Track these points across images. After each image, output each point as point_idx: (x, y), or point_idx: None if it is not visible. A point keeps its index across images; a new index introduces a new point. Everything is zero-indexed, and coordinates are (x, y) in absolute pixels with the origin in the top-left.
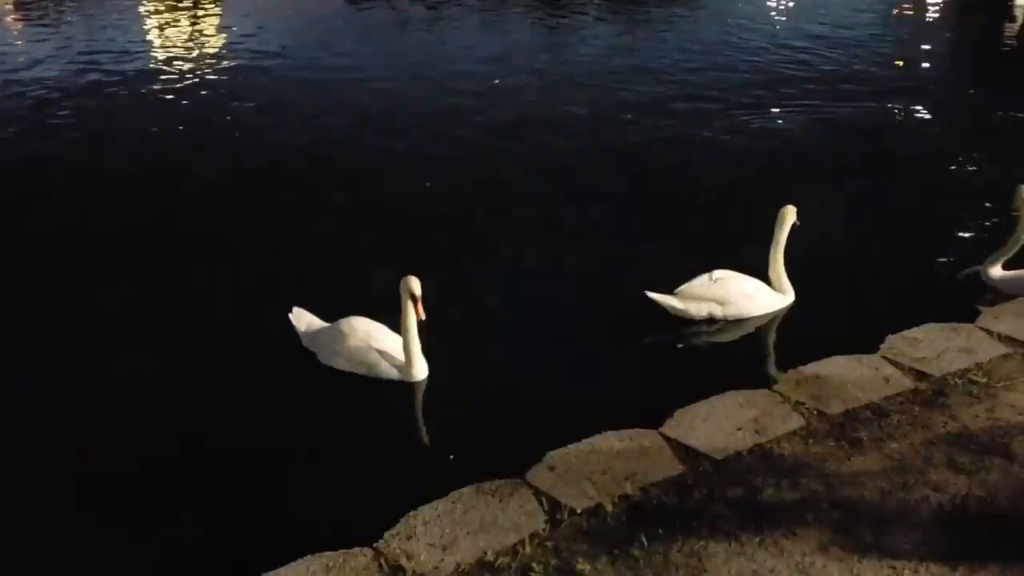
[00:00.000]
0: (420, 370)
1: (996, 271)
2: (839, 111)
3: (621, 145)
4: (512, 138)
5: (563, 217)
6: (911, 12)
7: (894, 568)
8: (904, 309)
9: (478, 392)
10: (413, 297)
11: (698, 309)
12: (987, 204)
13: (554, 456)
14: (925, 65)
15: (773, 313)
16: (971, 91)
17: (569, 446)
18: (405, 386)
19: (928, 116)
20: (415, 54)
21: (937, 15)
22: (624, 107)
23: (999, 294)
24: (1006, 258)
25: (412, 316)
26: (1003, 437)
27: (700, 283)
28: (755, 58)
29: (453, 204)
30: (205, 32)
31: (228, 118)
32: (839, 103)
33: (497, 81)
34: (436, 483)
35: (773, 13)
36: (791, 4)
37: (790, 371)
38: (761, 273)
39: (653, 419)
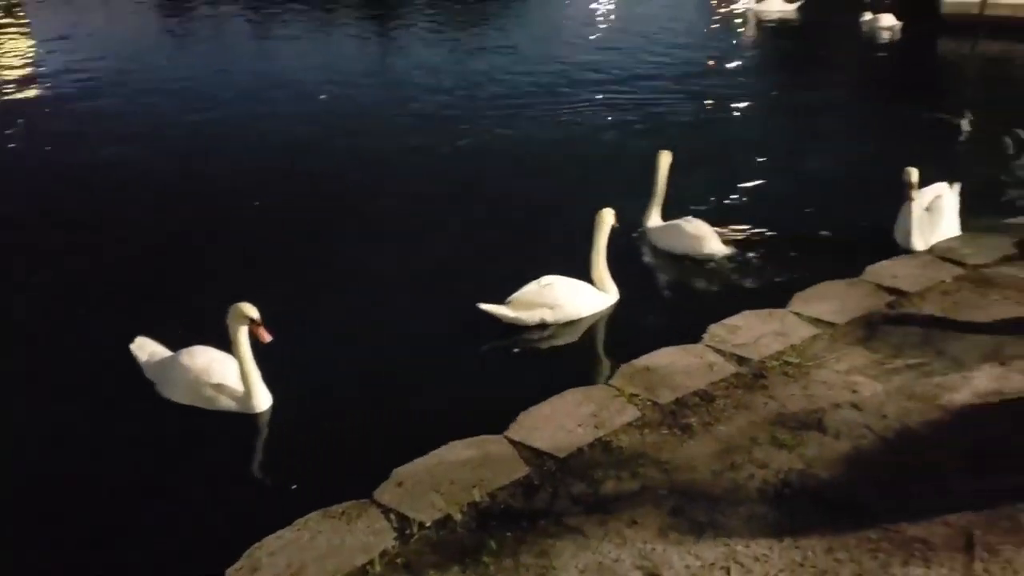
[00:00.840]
0: (261, 400)
1: (653, 222)
2: (659, 110)
3: (450, 155)
4: (341, 153)
5: (396, 231)
6: (725, 22)
7: (728, 545)
8: (723, 298)
9: (323, 416)
10: (253, 322)
11: (530, 316)
12: (806, 207)
13: (401, 472)
14: (733, 65)
15: (600, 312)
16: (774, 93)
17: (416, 460)
18: (247, 418)
19: (735, 114)
20: (240, 66)
21: (748, 26)
22: (453, 116)
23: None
24: (658, 209)
25: (245, 345)
26: (816, 412)
27: (529, 290)
28: (579, 63)
29: (285, 222)
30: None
31: (46, 145)
32: (658, 103)
33: (324, 96)
34: (283, 513)
35: (600, 23)
36: (615, 17)
37: (623, 365)
38: (586, 275)
39: (498, 425)
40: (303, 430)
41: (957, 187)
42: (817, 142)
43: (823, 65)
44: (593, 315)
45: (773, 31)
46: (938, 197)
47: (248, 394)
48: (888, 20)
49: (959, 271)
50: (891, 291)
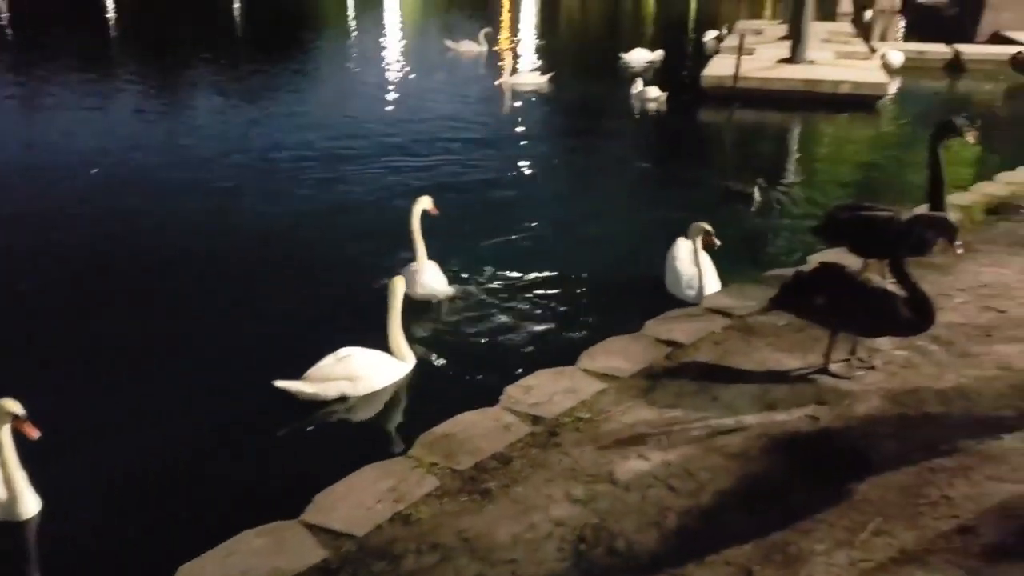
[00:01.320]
0: (28, 506)
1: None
2: (442, 178)
3: (236, 226)
4: (117, 228)
5: (178, 308)
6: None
7: None
8: (517, 359)
9: (102, 516)
10: (16, 418)
11: (328, 390)
12: (590, 265)
13: (187, 570)
14: (513, 134)
15: (400, 381)
16: (553, 160)
17: (204, 555)
18: (13, 527)
19: (515, 179)
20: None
21: (505, 98)
22: (237, 187)
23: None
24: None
25: (8, 445)
26: (607, 465)
27: (327, 364)
28: (366, 131)
29: (55, 306)
30: None
31: None
32: (439, 169)
33: (96, 170)
34: None
35: (386, 93)
36: (401, 88)
37: (422, 435)
38: (384, 344)
39: (294, 508)
40: (78, 535)
41: (716, 242)
42: (595, 204)
43: (596, 133)
44: (392, 385)
45: (536, 102)
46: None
47: (13, 500)
48: (654, 92)
49: (727, 321)
50: (668, 343)
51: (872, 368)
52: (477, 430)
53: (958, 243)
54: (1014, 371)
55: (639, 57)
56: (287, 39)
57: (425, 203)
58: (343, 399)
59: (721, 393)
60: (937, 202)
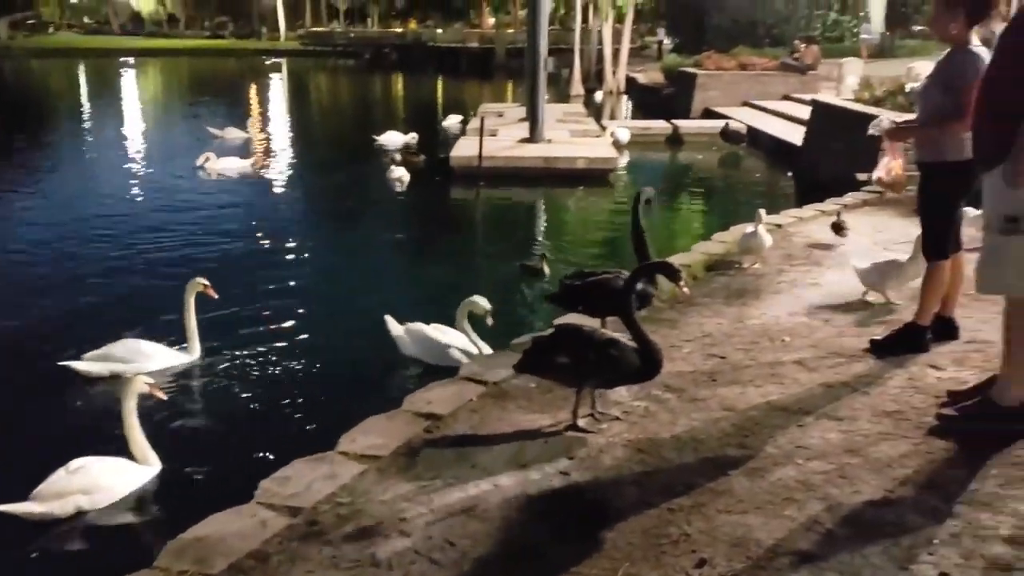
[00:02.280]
0: None
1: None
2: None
3: None
4: None
5: None
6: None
7: None
8: (274, 449)
9: None
10: None
11: (63, 507)
12: (344, 345)
13: None
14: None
15: (144, 487)
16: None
17: None
18: None
19: (279, 256)
20: None
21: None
22: None
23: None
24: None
25: None
26: (370, 547)
27: (58, 478)
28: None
29: None
30: None
31: None
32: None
33: None
34: None
35: (120, 179)
36: (133, 178)
37: (170, 542)
38: (122, 450)
39: None
40: None
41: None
42: (353, 284)
43: (353, 214)
44: (136, 492)
45: (297, 186)
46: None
47: None
48: (399, 172)
49: (482, 388)
50: (427, 416)
51: (616, 419)
52: (231, 529)
53: (682, 283)
54: (736, 411)
55: (394, 139)
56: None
57: (199, 286)
58: (80, 514)
59: (479, 459)
60: (643, 258)
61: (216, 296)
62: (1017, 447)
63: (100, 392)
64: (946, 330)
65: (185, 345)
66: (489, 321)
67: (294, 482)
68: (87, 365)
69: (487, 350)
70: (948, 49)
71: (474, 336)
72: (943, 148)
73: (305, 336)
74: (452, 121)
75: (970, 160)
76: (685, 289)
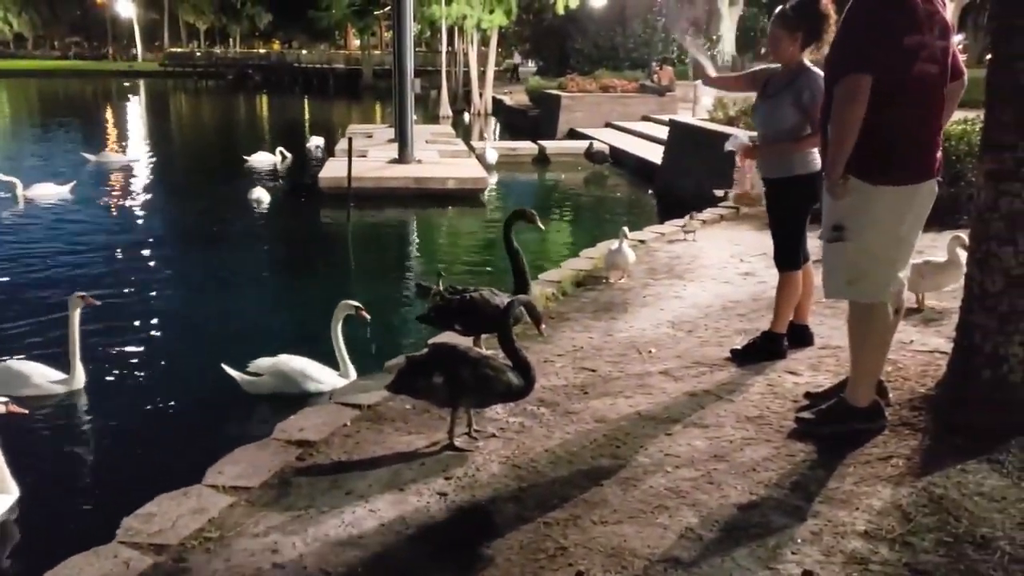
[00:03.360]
0: None
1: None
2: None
3: None
4: None
5: None
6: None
7: None
8: (138, 485)
9: None
10: None
11: None
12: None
13: None
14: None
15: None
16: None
17: None
18: None
19: (143, 279)
20: None
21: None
22: None
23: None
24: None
25: None
26: None
27: None
28: None
29: None
30: None
31: None
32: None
33: None
34: None
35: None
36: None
37: None
38: None
39: None
40: None
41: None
42: (222, 308)
43: (219, 236)
44: None
45: (166, 205)
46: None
47: None
48: (259, 193)
49: (356, 412)
50: (299, 444)
51: (492, 436)
52: (90, 573)
53: (542, 326)
54: (608, 422)
55: (263, 160)
56: None
57: (79, 301)
58: None
59: (355, 485)
60: (521, 282)
61: (98, 304)
62: (870, 445)
63: None
64: (801, 337)
65: (65, 375)
66: (367, 316)
67: (159, 519)
68: None
69: (351, 370)
70: (783, 69)
71: (343, 350)
72: (792, 163)
73: (168, 365)
74: (314, 143)
75: (816, 173)
76: (544, 331)
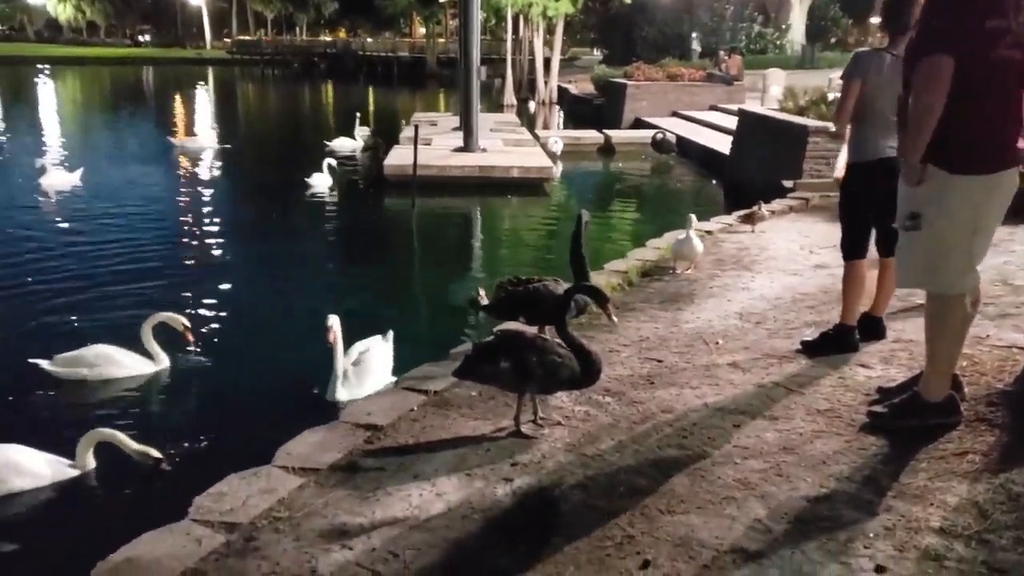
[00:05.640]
0: None
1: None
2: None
3: None
4: None
5: None
6: None
7: None
8: (206, 465)
9: None
10: None
11: None
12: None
13: None
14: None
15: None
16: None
17: None
18: None
19: (220, 264)
20: None
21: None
22: None
23: None
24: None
25: None
26: (308, 561)
27: None
28: None
29: None
30: None
31: None
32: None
33: None
34: None
35: None
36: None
37: (99, 563)
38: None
39: None
40: None
41: (391, 336)
42: (287, 298)
43: (276, 227)
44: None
45: (238, 193)
46: (366, 351)
47: None
48: (320, 179)
49: (423, 398)
50: (367, 427)
51: (558, 424)
52: (163, 549)
53: (609, 308)
54: (674, 413)
55: (343, 145)
56: None
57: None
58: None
59: (422, 468)
60: (581, 276)
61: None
62: (943, 440)
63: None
64: (874, 329)
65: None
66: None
67: (230, 498)
68: (56, 367)
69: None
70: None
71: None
72: (855, 148)
73: (237, 350)
74: (360, 133)
75: (878, 160)
76: (614, 317)
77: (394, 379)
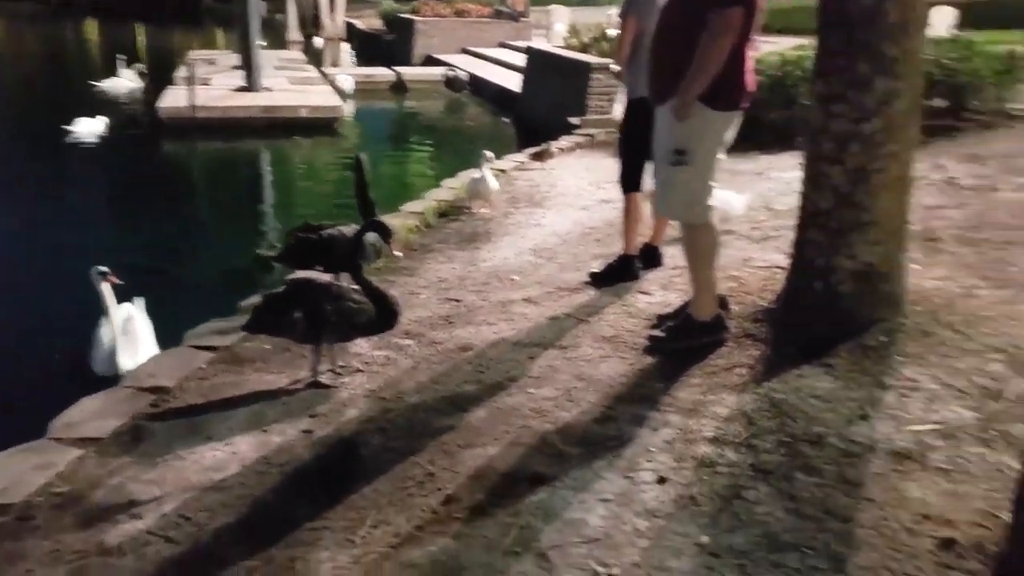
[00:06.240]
0: None
1: None
2: None
3: None
4: None
5: None
6: None
7: None
8: None
9: None
10: None
11: None
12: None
13: None
14: None
15: None
16: None
17: None
18: None
19: None
20: None
21: None
22: None
23: None
24: None
25: None
26: (95, 535)
27: None
28: None
29: None
30: None
31: None
32: None
33: None
34: None
35: None
36: None
37: None
38: None
39: None
40: None
41: (142, 302)
42: (49, 254)
43: (35, 181)
44: None
45: None
46: (129, 318)
47: None
48: (86, 124)
49: (212, 355)
50: (152, 390)
51: (357, 371)
52: None
53: (392, 243)
54: (472, 350)
55: (118, 84)
56: None
57: None
58: None
59: (215, 429)
60: (369, 212)
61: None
62: (714, 357)
63: None
64: (653, 258)
65: None
66: (117, 280)
67: (1, 476)
68: None
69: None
70: None
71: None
72: (631, 85)
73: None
74: (127, 71)
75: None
76: (396, 252)
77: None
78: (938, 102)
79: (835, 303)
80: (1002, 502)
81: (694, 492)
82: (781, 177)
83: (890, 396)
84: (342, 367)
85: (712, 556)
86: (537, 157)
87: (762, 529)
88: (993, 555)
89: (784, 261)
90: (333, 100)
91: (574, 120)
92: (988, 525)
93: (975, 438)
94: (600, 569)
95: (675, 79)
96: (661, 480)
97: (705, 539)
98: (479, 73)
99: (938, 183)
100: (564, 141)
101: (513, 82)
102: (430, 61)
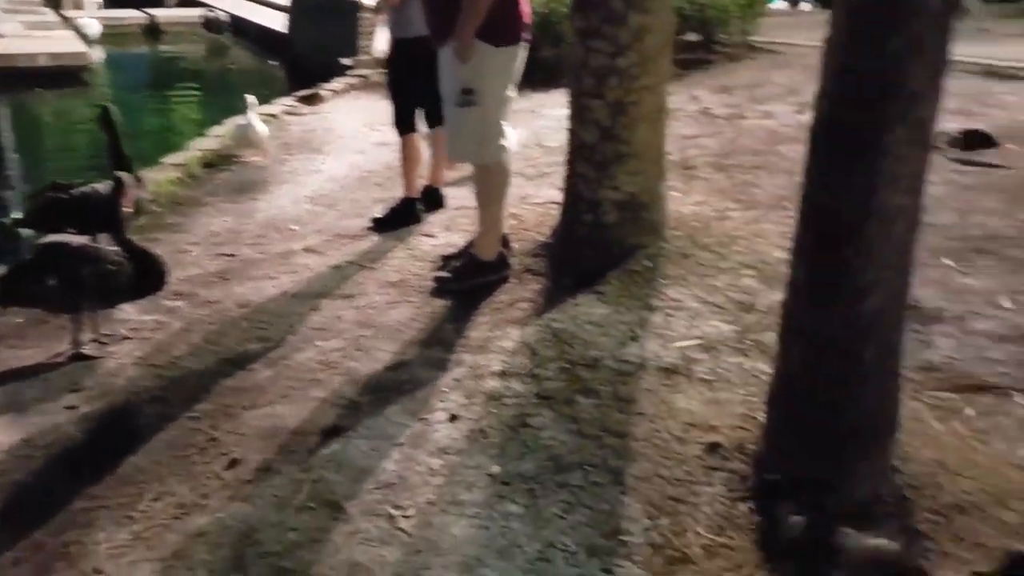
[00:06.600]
0: None
1: None
2: None
3: None
4: None
5: None
6: None
7: None
8: None
9: None
10: None
11: None
12: None
13: None
14: None
15: None
16: None
17: None
18: None
19: None
20: None
21: None
22: None
23: None
24: None
25: None
26: None
27: None
28: None
29: None
30: None
31: None
32: None
33: None
34: None
35: None
36: None
37: None
38: None
39: None
40: None
41: None
42: None
43: None
44: None
45: None
46: None
47: None
48: None
49: None
50: None
51: (125, 339)
52: None
53: (126, 199)
54: (252, 306)
55: None
56: None
57: None
58: None
59: None
60: (120, 164)
61: None
62: (499, 293)
63: None
64: (435, 199)
65: None
66: None
67: None
68: None
69: None
70: None
71: None
72: (400, 24)
73: None
74: None
75: (423, 36)
76: (126, 208)
77: None
78: (691, 36)
79: (603, 233)
80: (758, 405)
81: (484, 425)
82: (552, 114)
83: (657, 316)
84: (107, 336)
85: (503, 484)
86: (307, 100)
87: (548, 453)
88: (752, 453)
89: (558, 196)
90: (77, 46)
91: (346, 61)
92: (747, 427)
93: (733, 349)
94: (394, 512)
95: (451, 18)
96: (453, 418)
97: (496, 469)
98: (240, 13)
99: (694, 114)
100: (337, 83)
101: (278, 22)
102: (186, 2)
